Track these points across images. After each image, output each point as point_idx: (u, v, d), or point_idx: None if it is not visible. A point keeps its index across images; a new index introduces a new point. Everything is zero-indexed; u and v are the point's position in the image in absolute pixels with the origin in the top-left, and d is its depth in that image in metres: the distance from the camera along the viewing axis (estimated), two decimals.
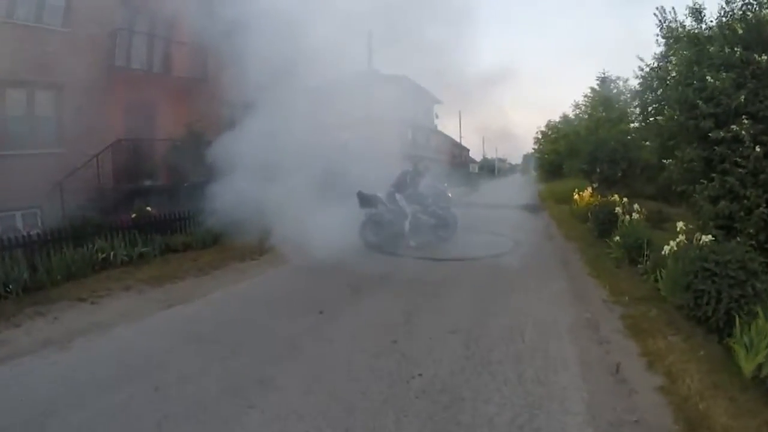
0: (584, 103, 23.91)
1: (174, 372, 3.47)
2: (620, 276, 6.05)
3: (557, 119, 33.36)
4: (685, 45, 6.32)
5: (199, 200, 8.06)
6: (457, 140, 46.76)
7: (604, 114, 19.90)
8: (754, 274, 4.12)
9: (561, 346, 4.00)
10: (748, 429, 2.85)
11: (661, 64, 11.75)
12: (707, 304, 4.17)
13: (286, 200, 7.51)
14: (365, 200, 8.31)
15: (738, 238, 4.87)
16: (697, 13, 6.66)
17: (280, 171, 7.85)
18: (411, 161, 9.31)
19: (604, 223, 8.07)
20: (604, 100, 20.90)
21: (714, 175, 5.37)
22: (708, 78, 5.31)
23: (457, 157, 45.42)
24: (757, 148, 4.94)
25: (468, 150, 50.85)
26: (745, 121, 5.03)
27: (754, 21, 5.27)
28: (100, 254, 6.47)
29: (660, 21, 11.81)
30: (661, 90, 11.74)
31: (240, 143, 8.05)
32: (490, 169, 60.72)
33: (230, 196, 7.42)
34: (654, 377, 3.48)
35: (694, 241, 4.73)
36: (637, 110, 13.57)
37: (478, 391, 3.22)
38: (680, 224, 5.07)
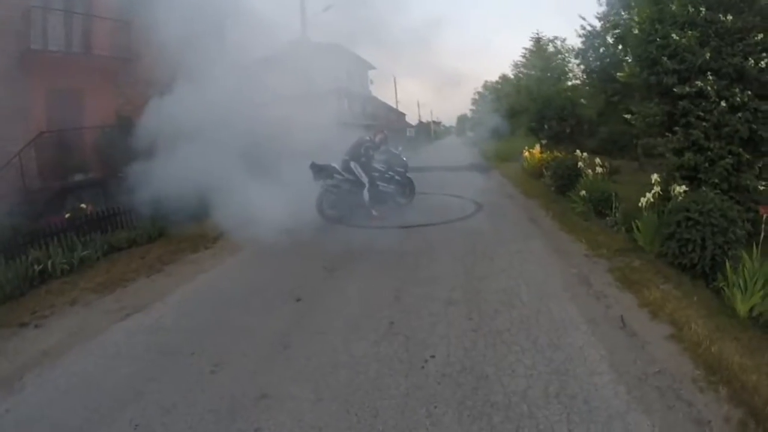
0: (523, 63, 24.39)
1: (152, 402, 2.87)
2: (592, 230, 6.17)
3: (494, 80, 34.11)
4: (645, 3, 6.36)
5: (137, 190, 7.20)
6: (393, 106, 46.39)
7: (541, 73, 20.44)
8: (733, 222, 4.30)
9: (561, 306, 3.93)
10: (761, 365, 2.95)
11: (604, 23, 12.14)
12: (692, 251, 4.31)
13: (227, 180, 7.07)
14: (320, 171, 7.75)
15: (703, 188, 5.08)
16: None
17: (215, 150, 7.23)
18: (367, 129, 8.77)
19: (564, 178, 8.23)
20: (542, 60, 21.45)
21: (677, 128, 5.60)
22: (673, 35, 5.47)
23: (394, 122, 45.13)
24: (723, 103, 5.17)
25: (404, 115, 50.72)
26: (710, 77, 5.24)
27: None
28: (36, 266, 5.44)
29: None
30: (603, 48, 12.26)
31: (167, 122, 7.33)
32: (426, 132, 61.28)
33: (168, 182, 6.71)
34: (660, 326, 3.52)
35: (673, 192, 4.86)
36: (579, 68, 14.05)
37: (499, 365, 3.04)
38: (655, 176, 5.19)
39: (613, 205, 6.14)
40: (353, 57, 32.20)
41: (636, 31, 6.10)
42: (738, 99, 5.13)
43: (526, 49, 25.67)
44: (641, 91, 6.44)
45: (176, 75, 8.01)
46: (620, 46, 11.88)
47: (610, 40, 12.24)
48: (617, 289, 4.28)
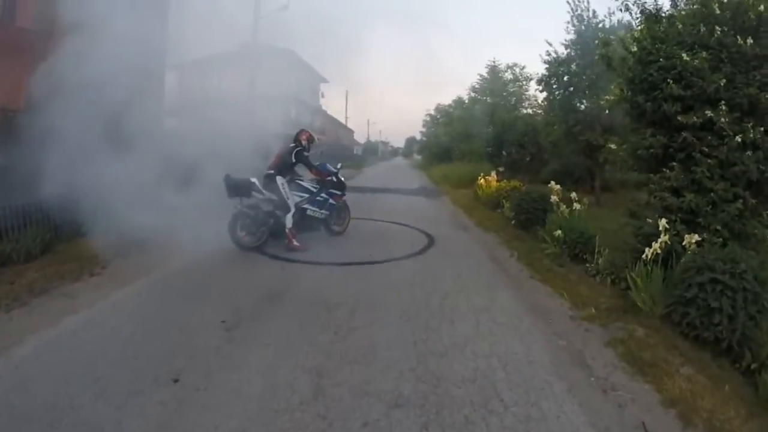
0: (478, 88, 24.54)
1: None
2: (570, 279, 5.14)
3: (447, 103, 34.27)
4: (645, 21, 5.64)
5: (31, 189, 5.87)
6: (342, 121, 45.47)
7: (496, 99, 20.44)
8: (764, 284, 3.39)
9: (559, 407, 2.73)
10: None
11: (570, 51, 11.86)
12: (719, 323, 3.32)
13: (137, 192, 6.10)
14: (235, 188, 6.41)
15: (704, 235, 4.27)
16: None
17: (129, 156, 6.24)
18: (296, 134, 7.14)
19: (528, 212, 7.32)
20: (497, 86, 21.53)
21: (674, 164, 4.78)
22: (683, 56, 4.69)
23: (342, 138, 44.12)
24: (738, 138, 4.38)
25: (353, 132, 49.98)
26: (724, 107, 4.48)
27: (734, 1, 4.85)
28: None
29: (572, 9, 11.98)
30: (567, 77, 11.95)
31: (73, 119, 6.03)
32: (373, 151, 61.00)
33: (67, 182, 5.62)
34: None
35: (687, 244, 3.93)
36: (540, 95, 13.72)
37: None
38: (663, 222, 4.19)
39: (596, 250, 5.19)
40: (306, 66, 30.89)
41: (634, 49, 5.27)
42: (750, 135, 4.35)
43: (480, 75, 25.92)
44: (630, 118, 5.61)
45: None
46: (565, 77, 11.93)
47: (574, 67, 12.08)
48: (626, 374, 3.16)
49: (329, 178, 7.19)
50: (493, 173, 11.58)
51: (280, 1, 18.90)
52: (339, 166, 7.63)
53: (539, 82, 12.79)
